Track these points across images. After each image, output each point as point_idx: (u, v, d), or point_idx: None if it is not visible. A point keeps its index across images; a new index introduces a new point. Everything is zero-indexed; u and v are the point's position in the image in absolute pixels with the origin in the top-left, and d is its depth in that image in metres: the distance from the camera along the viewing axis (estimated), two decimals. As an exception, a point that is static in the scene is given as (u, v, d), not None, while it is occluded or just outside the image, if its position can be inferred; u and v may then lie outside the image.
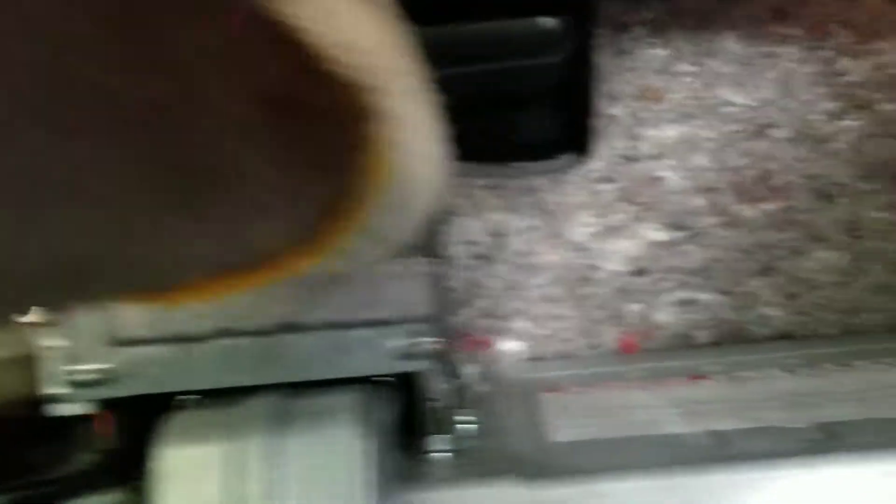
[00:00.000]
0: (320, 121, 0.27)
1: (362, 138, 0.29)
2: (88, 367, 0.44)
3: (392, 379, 0.47)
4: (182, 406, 0.44)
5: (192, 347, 0.43)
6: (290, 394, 0.43)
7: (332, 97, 0.27)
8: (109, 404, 0.47)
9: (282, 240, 0.30)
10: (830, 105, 0.67)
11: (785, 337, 0.71)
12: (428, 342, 0.44)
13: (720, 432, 0.48)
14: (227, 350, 0.43)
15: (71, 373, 0.44)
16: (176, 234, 0.24)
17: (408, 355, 0.44)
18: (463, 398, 0.53)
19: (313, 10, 0.29)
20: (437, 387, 0.58)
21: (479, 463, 0.46)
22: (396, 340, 0.44)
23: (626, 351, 0.71)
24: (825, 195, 0.68)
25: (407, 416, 0.49)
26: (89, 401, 0.45)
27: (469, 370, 0.63)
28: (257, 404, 0.42)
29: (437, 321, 0.44)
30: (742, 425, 0.49)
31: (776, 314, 0.70)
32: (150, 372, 0.44)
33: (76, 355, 0.44)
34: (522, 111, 0.71)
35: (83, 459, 0.49)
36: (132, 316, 0.43)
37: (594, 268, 0.69)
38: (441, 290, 0.45)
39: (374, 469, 0.40)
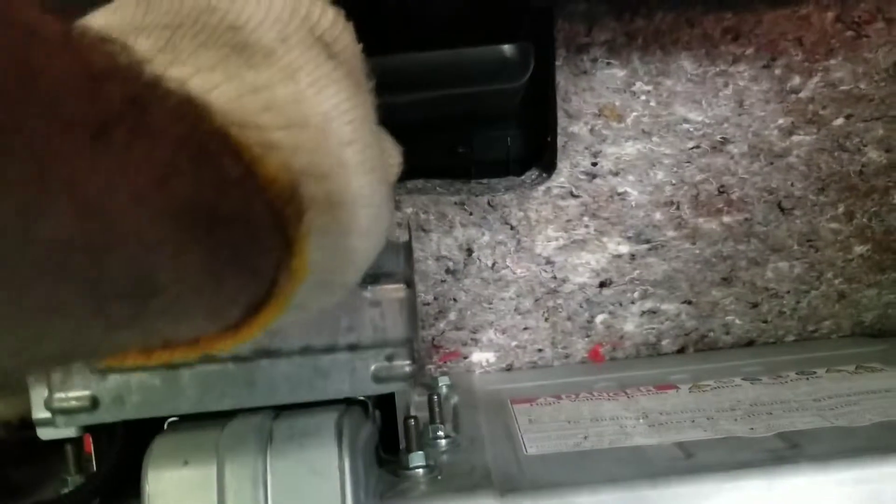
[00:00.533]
0: (241, 229, 0.27)
1: (285, 240, 0.30)
2: (72, 395, 0.44)
3: (368, 399, 0.48)
4: (169, 429, 0.45)
5: (175, 374, 0.44)
6: (272, 415, 0.44)
7: (247, 201, 0.28)
8: (96, 429, 0.47)
9: (206, 331, 0.31)
10: (783, 121, 0.69)
11: (748, 343, 0.73)
12: (403, 364, 0.46)
13: (684, 444, 0.50)
14: (210, 376, 0.44)
15: (54, 400, 0.44)
16: (102, 334, 0.25)
17: (385, 378, 0.46)
18: (437, 412, 0.55)
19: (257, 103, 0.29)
20: (412, 402, 0.60)
21: (454, 477, 0.47)
22: (373, 363, 0.45)
23: (595, 360, 0.73)
24: (781, 207, 0.70)
25: (384, 433, 0.51)
26: (75, 426, 0.46)
27: (441, 382, 0.65)
28: (241, 426, 0.43)
29: (411, 343, 0.46)
30: (705, 436, 0.51)
31: (738, 322, 0.73)
32: (133, 398, 0.44)
33: (59, 383, 0.44)
34: (488, 130, 0.73)
35: (70, 481, 0.50)
36: (112, 345, 0.44)
37: (561, 280, 0.71)
38: (413, 314, 0.46)
39: (353, 486, 0.41)
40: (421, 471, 0.48)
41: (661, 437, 0.52)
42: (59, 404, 0.45)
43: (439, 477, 0.48)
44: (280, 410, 0.45)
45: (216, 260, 0.26)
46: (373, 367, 0.46)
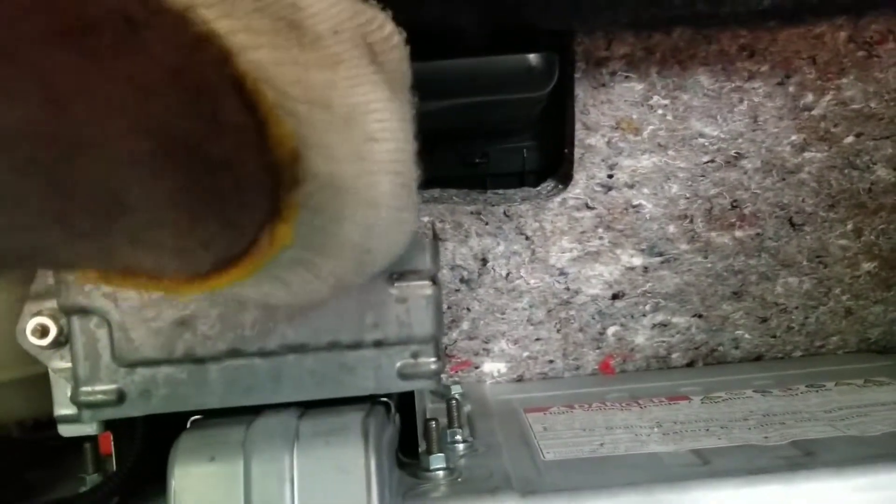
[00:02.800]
0: (228, 175, 0.28)
1: (274, 203, 0.30)
2: (98, 388, 0.45)
3: (390, 399, 0.49)
4: (194, 425, 0.45)
5: (202, 368, 0.45)
6: (297, 413, 0.45)
7: (241, 151, 0.28)
8: (117, 425, 0.48)
9: (172, 269, 0.31)
10: (796, 137, 0.70)
11: (756, 358, 0.74)
12: (429, 362, 0.46)
13: (700, 451, 0.51)
14: (237, 370, 0.45)
15: (80, 394, 0.45)
16: (63, 241, 0.24)
17: (410, 375, 0.46)
18: (455, 417, 0.55)
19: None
20: (430, 408, 0.60)
21: (474, 480, 0.48)
22: (399, 360, 0.46)
23: (605, 372, 0.73)
24: (792, 223, 0.71)
25: (403, 437, 0.51)
26: (99, 421, 0.46)
27: (454, 390, 0.65)
28: (267, 423, 0.44)
29: (436, 341, 0.47)
30: (721, 444, 0.52)
31: (747, 336, 0.73)
32: (160, 392, 0.45)
33: (85, 377, 0.45)
34: (507, 141, 0.73)
35: (88, 481, 0.50)
36: (141, 337, 0.44)
37: (574, 292, 0.72)
38: (439, 311, 0.47)
39: (379, 486, 0.42)
40: (441, 473, 0.49)
41: (676, 445, 0.52)
42: (85, 398, 0.45)
43: (459, 479, 0.48)
44: (305, 408, 0.46)
45: (194, 198, 0.27)
46: (398, 364, 0.46)
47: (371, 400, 0.47)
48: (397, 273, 0.46)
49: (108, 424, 0.48)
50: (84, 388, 0.45)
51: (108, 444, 0.51)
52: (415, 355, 0.46)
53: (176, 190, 0.26)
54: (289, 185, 0.30)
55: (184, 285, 0.32)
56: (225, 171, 0.27)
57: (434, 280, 0.46)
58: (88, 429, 0.48)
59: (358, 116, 0.32)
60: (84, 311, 0.44)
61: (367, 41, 0.33)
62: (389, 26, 0.35)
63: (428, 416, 0.51)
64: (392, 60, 0.35)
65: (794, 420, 0.55)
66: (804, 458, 0.48)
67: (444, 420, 0.55)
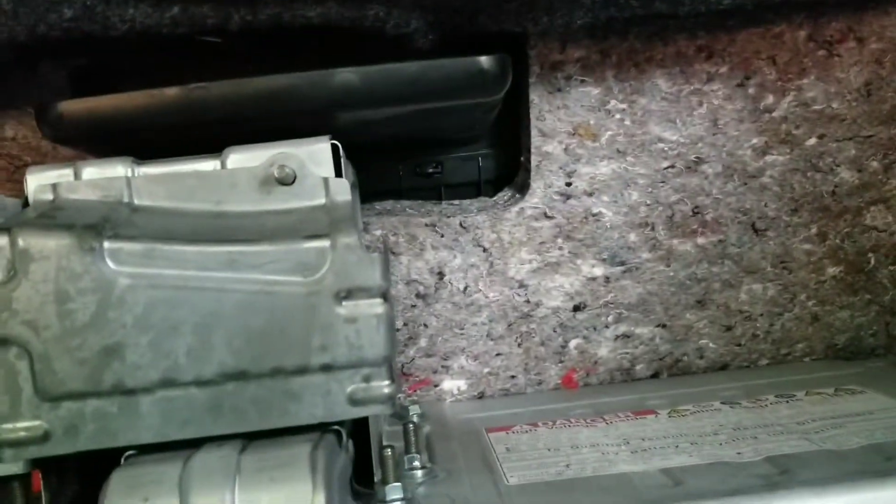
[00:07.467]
0: None
1: None
2: (20, 425, 0.41)
3: (342, 426, 0.45)
4: (127, 463, 0.42)
5: (133, 400, 0.41)
6: (239, 447, 0.41)
7: None
8: (43, 463, 0.44)
9: None
10: (757, 140, 0.68)
11: (721, 368, 0.72)
12: (382, 385, 0.43)
13: (670, 470, 0.48)
14: (171, 402, 0.42)
15: (3, 430, 0.41)
16: None
17: (362, 400, 0.43)
18: (412, 442, 0.52)
19: None
20: (384, 431, 0.57)
21: (433, 511, 0.45)
22: (350, 385, 0.43)
23: (568, 387, 0.71)
24: (755, 229, 0.70)
25: (357, 464, 0.48)
26: (24, 460, 0.42)
27: (412, 411, 0.62)
28: (205, 459, 0.40)
29: (389, 363, 0.43)
30: (692, 461, 0.49)
31: (712, 346, 0.71)
32: (88, 428, 0.41)
33: (5, 413, 0.41)
34: (461, 150, 0.71)
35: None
36: (65, 368, 0.40)
37: (534, 304, 0.69)
38: (391, 330, 0.44)
39: (329, 525, 0.39)
40: (399, 503, 0.46)
41: (646, 464, 0.50)
42: (6, 436, 0.41)
43: (418, 510, 0.45)
44: (248, 439, 0.42)
45: None
46: (349, 389, 0.43)
47: (321, 428, 0.44)
48: (345, 291, 0.43)
49: (37, 462, 0.44)
50: (4, 426, 0.41)
51: (38, 481, 0.47)
52: (366, 379, 0.43)
53: None
54: None
55: None
56: None
57: (385, 297, 0.43)
58: (14, 468, 0.43)
59: None
60: (1, 342, 0.40)
61: None
62: None
63: (384, 443, 0.47)
64: None
65: (767, 434, 0.53)
66: (780, 476, 0.46)
67: (400, 444, 0.52)
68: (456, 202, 0.70)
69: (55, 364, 0.41)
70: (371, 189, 0.65)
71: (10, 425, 0.41)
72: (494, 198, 0.70)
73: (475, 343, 0.69)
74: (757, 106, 0.68)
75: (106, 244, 0.41)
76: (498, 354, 0.70)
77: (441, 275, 0.68)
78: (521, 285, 0.69)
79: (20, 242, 0.40)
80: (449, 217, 0.68)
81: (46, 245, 0.40)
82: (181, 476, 0.39)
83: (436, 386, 0.70)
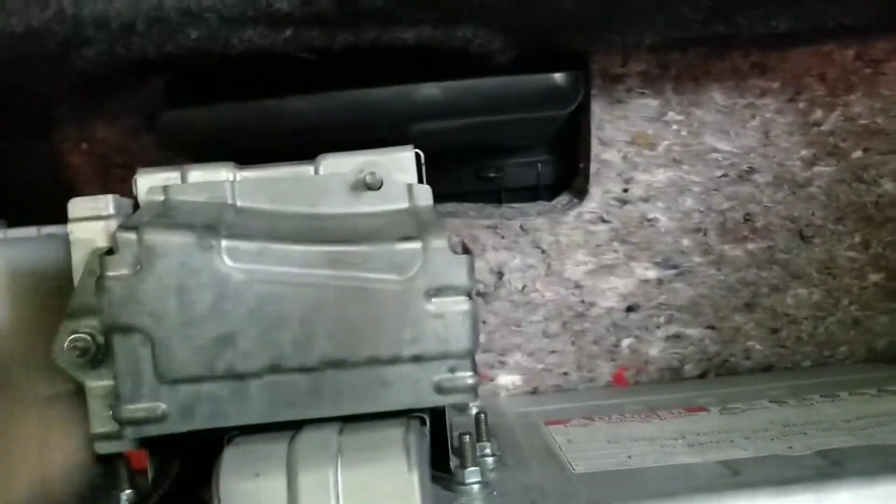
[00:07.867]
0: None
1: None
2: (141, 406, 0.45)
3: (424, 414, 0.49)
4: (237, 441, 0.45)
5: (243, 384, 0.45)
6: (338, 428, 0.45)
7: None
8: (150, 442, 0.48)
9: None
10: (806, 152, 0.72)
11: (766, 369, 0.75)
12: (466, 376, 0.47)
13: (728, 462, 0.52)
14: (277, 386, 0.45)
15: (123, 412, 0.45)
16: None
17: (448, 389, 0.47)
18: (483, 431, 0.56)
19: None
20: (460, 420, 0.61)
21: (509, 494, 0.48)
22: (437, 375, 0.47)
23: (619, 384, 0.74)
24: (802, 236, 0.73)
25: (435, 449, 0.52)
26: (144, 437, 0.46)
27: (473, 404, 0.66)
28: (309, 439, 0.44)
29: (473, 355, 0.47)
30: (746, 454, 0.53)
31: (758, 347, 0.75)
32: (202, 409, 0.45)
33: (128, 394, 0.45)
34: (521, 155, 0.74)
35: (123, 497, 0.50)
36: (184, 354, 0.44)
37: (589, 304, 0.73)
38: (475, 326, 0.47)
39: (422, 500, 0.42)
40: (476, 487, 0.49)
41: (703, 457, 0.53)
42: (128, 415, 0.45)
43: (494, 493, 0.49)
44: (343, 423, 0.46)
45: None
46: (436, 379, 0.47)
47: (406, 414, 0.48)
48: (434, 289, 0.46)
49: (143, 441, 0.48)
50: (127, 406, 0.45)
51: (140, 459, 0.51)
52: (452, 370, 0.47)
53: None
54: None
55: None
56: None
57: (470, 295, 0.47)
58: (127, 445, 0.48)
59: None
60: (127, 329, 0.44)
61: None
62: None
63: (464, 430, 0.51)
64: None
65: (815, 430, 0.56)
66: (832, 467, 0.49)
67: (475, 433, 0.55)
68: (516, 205, 0.73)
69: (174, 350, 0.45)
70: (434, 192, 0.69)
71: (131, 406, 0.45)
72: (553, 202, 0.73)
73: (531, 340, 0.73)
74: (806, 120, 0.71)
75: (224, 243, 0.45)
76: (552, 352, 0.73)
77: (500, 274, 0.72)
78: (577, 286, 0.72)
79: (146, 240, 0.44)
80: (509, 220, 0.71)
81: (170, 242, 0.44)
82: (288, 454, 0.43)
83: (491, 380, 0.74)
